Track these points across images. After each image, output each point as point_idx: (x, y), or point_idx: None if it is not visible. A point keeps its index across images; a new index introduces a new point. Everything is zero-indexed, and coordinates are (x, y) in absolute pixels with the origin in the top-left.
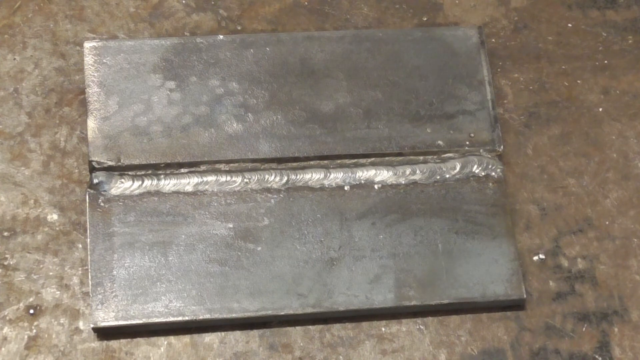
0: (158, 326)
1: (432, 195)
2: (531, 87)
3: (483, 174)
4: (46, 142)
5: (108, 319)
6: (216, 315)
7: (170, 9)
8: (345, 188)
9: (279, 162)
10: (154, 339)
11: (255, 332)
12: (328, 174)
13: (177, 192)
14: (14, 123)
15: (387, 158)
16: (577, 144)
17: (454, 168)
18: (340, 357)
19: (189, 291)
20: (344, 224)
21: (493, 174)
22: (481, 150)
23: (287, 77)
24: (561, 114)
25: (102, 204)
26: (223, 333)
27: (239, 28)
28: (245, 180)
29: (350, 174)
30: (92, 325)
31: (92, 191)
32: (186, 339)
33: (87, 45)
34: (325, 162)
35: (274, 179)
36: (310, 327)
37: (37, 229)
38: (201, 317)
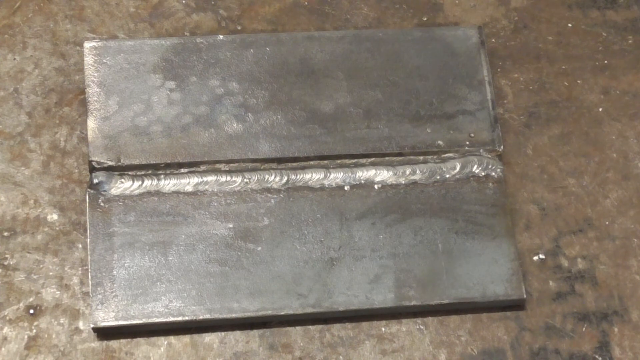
0: (158, 326)
1: (432, 195)
2: (531, 87)
3: (483, 174)
4: (46, 142)
5: (108, 319)
6: (216, 315)
7: (170, 9)
8: (345, 188)
9: (279, 162)
10: (154, 339)
11: (255, 332)
12: (328, 174)
13: (177, 192)
14: (14, 123)
15: (387, 158)
16: (577, 144)
17: (454, 168)
18: (340, 357)
19: (189, 291)
20: (344, 224)
21: (493, 174)
22: (481, 150)
23: (287, 77)
24: (561, 114)
25: (102, 204)
26: (223, 333)
27: (239, 28)
28: (245, 180)
29: (350, 174)
30: (92, 325)
31: (92, 191)
32: (186, 339)
33: (87, 45)
34: (325, 162)
35: (274, 179)
36: (310, 327)
37: (37, 229)
38: (201, 317)
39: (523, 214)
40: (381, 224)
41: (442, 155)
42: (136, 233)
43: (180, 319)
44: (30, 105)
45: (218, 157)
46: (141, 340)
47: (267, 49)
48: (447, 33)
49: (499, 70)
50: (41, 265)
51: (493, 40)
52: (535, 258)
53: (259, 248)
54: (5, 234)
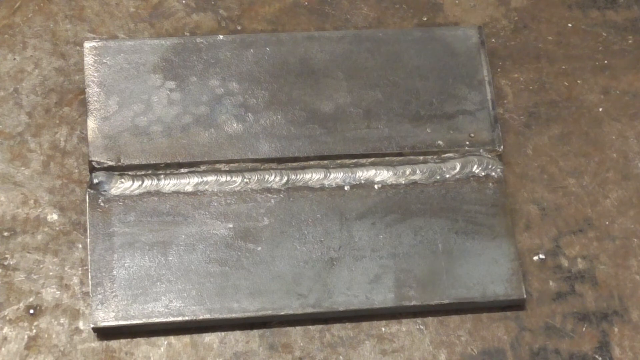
0: (158, 326)
1: (432, 195)
2: (531, 87)
3: (483, 174)
4: (46, 142)
5: (108, 319)
6: (216, 315)
7: (170, 9)
8: (345, 188)
9: (279, 162)
10: (154, 339)
11: (255, 332)
12: (328, 174)
13: (177, 192)
14: (14, 123)
15: (387, 158)
16: (577, 144)
17: (454, 168)
18: (340, 357)
19: (189, 291)
20: (344, 224)
21: (493, 174)
22: (481, 150)
23: (287, 77)
24: (561, 114)
25: (102, 204)
26: (223, 333)
27: (239, 28)
28: (245, 180)
29: (350, 174)
30: (92, 325)
31: (92, 191)
32: (186, 339)
33: (87, 45)
34: (325, 162)
35: (274, 179)
36: (310, 327)
37: (37, 229)
38: (201, 317)
39: (523, 214)
40: (381, 224)
41: (442, 155)
42: (136, 233)
43: (180, 319)
44: (30, 105)
45: (218, 157)
46: (141, 340)
47: (267, 49)
48: (447, 33)
49: (499, 70)
50: (41, 265)
51: (493, 40)
52: (535, 258)
53: (259, 248)
54: (5, 234)
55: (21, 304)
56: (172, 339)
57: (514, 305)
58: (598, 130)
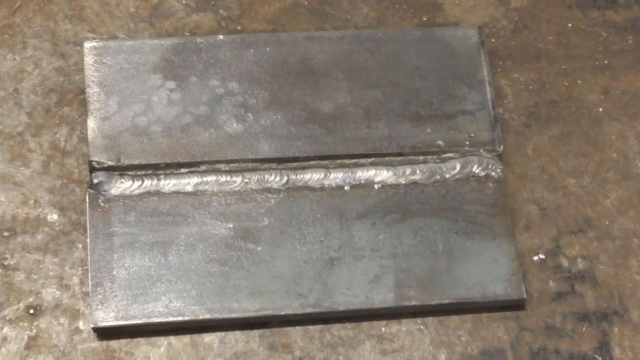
0: (158, 326)
1: (432, 195)
2: (531, 87)
3: (483, 174)
4: (46, 142)
5: (108, 319)
6: (216, 315)
7: (170, 9)
8: (345, 188)
9: (279, 162)
10: (154, 339)
11: (255, 332)
12: (328, 174)
13: (177, 192)
14: (14, 123)
15: (387, 158)
16: (577, 144)
17: (454, 168)
18: (340, 357)
19: (189, 291)
20: (344, 224)
21: (493, 174)
22: (481, 150)
23: (287, 77)
24: (561, 114)
25: (102, 204)
26: (223, 333)
27: (239, 28)
28: (245, 180)
29: (350, 174)
30: (92, 325)
31: (92, 191)
32: (186, 339)
33: (87, 45)
34: (325, 162)
35: (274, 179)
36: (310, 327)
37: (37, 229)
38: (201, 317)
39: (523, 214)
40: (381, 224)
41: (442, 155)
42: (136, 233)
43: (180, 319)
44: (30, 105)
45: (218, 157)
46: (141, 340)
47: (267, 49)
48: (447, 33)
49: (499, 70)
50: (41, 265)
51: (493, 40)
52: (535, 258)
53: (259, 248)
54: (5, 234)
55: (21, 304)
56: (172, 339)
57: (514, 305)
58: (598, 130)
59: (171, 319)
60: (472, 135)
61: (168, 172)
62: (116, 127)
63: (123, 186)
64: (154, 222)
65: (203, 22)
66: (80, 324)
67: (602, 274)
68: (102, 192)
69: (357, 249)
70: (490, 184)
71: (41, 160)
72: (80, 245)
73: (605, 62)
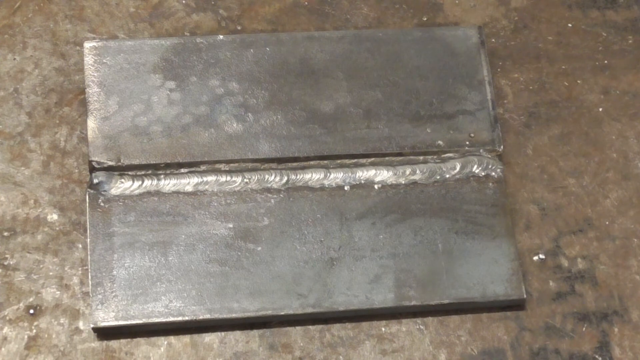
0: (158, 326)
1: (432, 195)
2: (531, 87)
3: (483, 174)
4: (46, 142)
5: (108, 319)
6: (216, 315)
7: (170, 9)
8: (345, 188)
9: (279, 162)
10: (154, 339)
11: (255, 332)
12: (328, 174)
13: (177, 192)
14: (14, 123)
15: (387, 158)
16: (577, 144)
17: (454, 168)
18: (340, 357)
19: (189, 291)
20: (344, 224)
21: (493, 174)
22: (481, 150)
23: (287, 77)
24: (561, 114)
25: (102, 204)
26: (223, 333)
27: (239, 28)
28: (245, 180)
29: (350, 174)
30: (92, 325)
31: (92, 191)
32: (186, 339)
33: (87, 45)
34: (325, 162)
35: (274, 179)
36: (310, 327)
37: (37, 229)
38: (201, 317)
39: (523, 214)
40: (381, 224)
41: (442, 155)
42: (136, 233)
43: (180, 319)
44: (30, 105)
45: (218, 157)
46: (141, 340)
47: (267, 49)
48: (447, 33)
49: (499, 70)
50: (41, 265)
51: (493, 40)
52: (535, 258)
53: (259, 248)
54: (5, 234)
55: (21, 304)
56: (172, 339)
57: (514, 305)
58: (598, 130)
59: (171, 319)
60: (472, 135)
61: (168, 172)
62: (116, 127)
63: (123, 186)
64: (154, 222)
65: (203, 22)
66: (80, 324)
67: (602, 274)
68: (102, 192)
69: (357, 249)
70: (490, 184)
71: (41, 160)
72: (80, 245)
73: (605, 62)
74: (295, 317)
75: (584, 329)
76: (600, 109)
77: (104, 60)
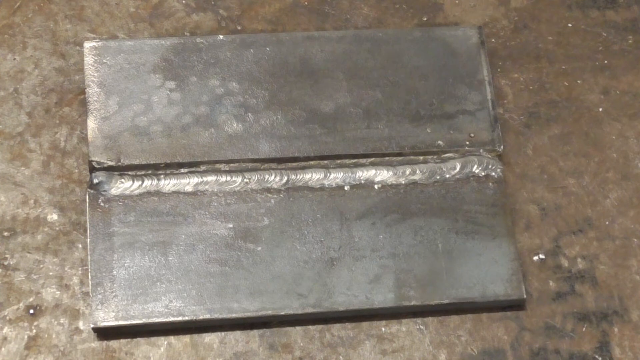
0: (158, 326)
1: (432, 195)
2: (531, 87)
3: (483, 174)
4: (46, 142)
5: (108, 319)
6: (216, 315)
7: (170, 9)
8: (345, 188)
9: (279, 162)
10: (154, 339)
11: (255, 332)
12: (328, 174)
13: (177, 192)
14: (14, 123)
15: (387, 158)
16: (577, 144)
17: (454, 168)
18: (340, 357)
19: (189, 291)
20: (344, 224)
21: (493, 174)
22: (481, 150)
23: (287, 77)
24: (561, 114)
25: (102, 204)
26: (223, 333)
27: (239, 28)
28: (245, 180)
29: (350, 174)
30: (92, 325)
31: (92, 191)
32: (186, 339)
33: (87, 45)
34: (325, 162)
35: (274, 179)
36: (310, 327)
37: (37, 229)
38: (201, 317)
39: (523, 214)
40: (381, 224)
41: (442, 155)
42: (136, 233)
43: (180, 319)
44: (30, 105)
45: (218, 157)
46: (141, 340)
47: (267, 49)
48: (447, 33)
49: (499, 70)
50: (41, 265)
51: (493, 40)
52: (535, 258)
53: (259, 248)
54: (5, 234)
55: (21, 304)
56: (172, 339)
57: (514, 305)
58: (598, 130)
59: (171, 319)
60: (472, 135)
61: (168, 172)
62: (116, 127)
63: (123, 186)
64: (154, 222)
65: (203, 22)
66: (80, 324)
67: (602, 274)
68: (102, 192)
69: (357, 249)
70: (490, 184)
71: (41, 160)
72: (80, 245)
73: (605, 62)
74: (295, 317)
75: (584, 329)
76: (600, 109)
77: (104, 60)
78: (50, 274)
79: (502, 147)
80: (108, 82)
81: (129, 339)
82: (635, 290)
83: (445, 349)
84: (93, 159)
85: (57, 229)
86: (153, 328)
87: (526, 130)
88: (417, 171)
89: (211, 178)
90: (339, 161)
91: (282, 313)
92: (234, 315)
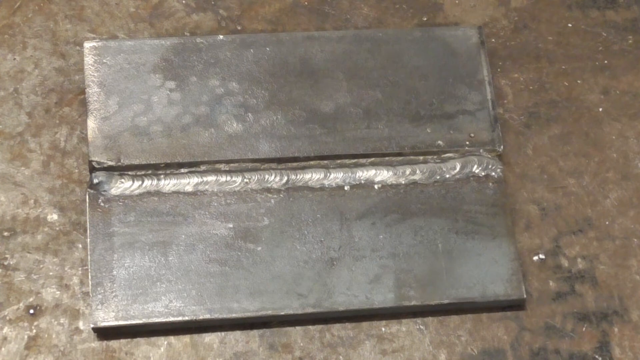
0: (158, 326)
1: (432, 195)
2: (531, 87)
3: (483, 174)
4: (46, 142)
5: (108, 319)
6: (216, 315)
7: (170, 9)
8: (345, 188)
9: (279, 162)
10: (154, 339)
11: (255, 332)
12: (328, 174)
13: (177, 192)
14: (14, 123)
15: (387, 158)
16: (577, 144)
17: (454, 168)
18: (340, 357)
19: (189, 291)
20: (344, 224)
21: (493, 174)
22: (481, 150)
23: (287, 77)
24: (561, 114)
25: (102, 204)
26: (223, 333)
27: (239, 28)
28: (245, 180)
29: (350, 174)
30: (92, 325)
31: (92, 191)
32: (186, 339)
33: (87, 45)
34: (325, 162)
35: (274, 179)
36: (310, 327)
37: (37, 229)
38: (201, 317)
39: (523, 214)
40: (381, 224)
41: (442, 155)
42: (136, 233)
43: (180, 319)
44: (30, 105)
45: (218, 157)
46: (141, 340)
47: (267, 49)
48: (447, 33)
49: (499, 70)
50: (41, 265)
51: (493, 40)
52: (535, 258)
53: (259, 248)
54: (5, 234)
55: (21, 304)
56: (172, 339)
57: (514, 305)
58: (598, 130)
59: (171, 319)
60: (472, 135)
61: (168, 172)
62: (116, 127)
63: (123, 186)
64: (154, 222)
65: (203, 22)
66: (80, 324)
67: (602, 274)
68: (102, 192)
69: (357, 249)
70: (490, 184)
71: (41, 160)
72: (80, 245)
73: (605, 62)
74: (295, 317)
75: (584, 329)
76: (600, 109)
77: (104, 60)
78: (50, 274)
79: (502, 147)
80: (108, 82)
81: (129, 339)
82: (635, 290)
83: (445, 349)
84: (93, 159)
85: (57, 229)
86: (153, 328)
87: (526, 130)
88: (417, 171)
89: (211, 178)
90: (339, 161)
91: (282, 313)
92: (234, 315)
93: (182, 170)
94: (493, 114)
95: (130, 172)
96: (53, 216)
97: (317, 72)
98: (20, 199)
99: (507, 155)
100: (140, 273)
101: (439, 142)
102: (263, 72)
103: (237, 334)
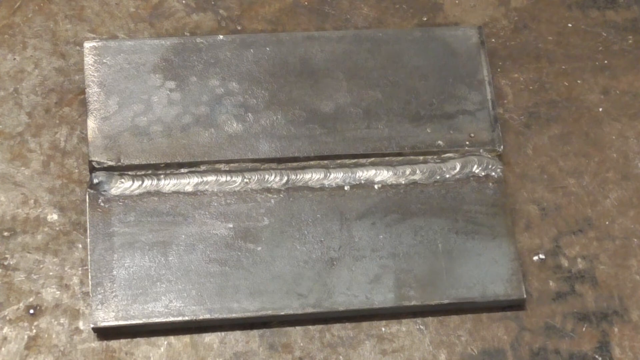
0: (158, 326)
1: (432, 195)
2: (531, 87)
3: (483, 174)
4: (46, 142)
5: (108, 319)
6: (216, 315)
7: (170, 9)
8: (345, 188)
9: (279, 162)
10: (154, 339)
11: (255, 332)
12: (328, 174)
13: (177, 192)
14: (14, 123)
15: (387, 158)
16: (577, 144)
17: (454, 168)
18: (340, 357)
19: (189, 291)
20: (344, 224)
21: (493, 174)
22: (481, 150)
23: (287, 77)
24: (561, 114)
25: (102, 204)
26: (223, 333)
27: (239, 28)
28: (245, 180)
29: (350, 174)
30: (92, 325)
31: (92, 191)
32: (186, 339)
33: (87, 45)
34: (325, 162)
35: (274, 179)
36: (310, 327)
37: (37, 229)
38: (201, 317)
39: (523, 214)
40: (381, 224)
41: (442, 155)
42: (136, 233)
43: (180, 319)
44: (30, 105)
45: (218, 157)
46: (141, 340)
47: (267, 49)
48: (447, 33)
49: (499, 70)
50: (41, 265)
51: (493, 40)
52: (535, 258)
53: (259, 248)
54: (5, 234)
55: (21, 304)
56: (172, 339)
57: (514, 305)
58: (598, 130)
59: (171, 319)
60: (472, 135)
61: (168, 172)
62: (116, 127)
63: (123, 186)
64: (154, 222)
65: (203, 22)
66: (80, 324)
67: (602, 274)
68: (102, 192)
69: (357, 249)
70: (490, 184)
71: (41, 160)
72: (80, 245)
73: (605, 62)
74: (295, 317)
75: (584, 329)
76: (600, 109)
77: (104, 60)
78: (50, 274)
79: (502, 147)
80: (108, 82)
81: (129, 339)
82: (635, 290)
83: (445, 349)
84: (93, 159)
85: (57, 229)
86: (153, 328)
87: (526, 130)
88: (417, 171)
89: (211, 178)
90: (339, 161)
91: (282, 313)
92: (234, 315)
93: (182, 170)
94: (493, 114)
95: (130, 172)
96: (53, 216)
97: (317, 72)
98: (20, 199)
99: (507, 155)
100: (140, 273)
101: (439, 142)
102: (263, 72)
103: (237, 334)
